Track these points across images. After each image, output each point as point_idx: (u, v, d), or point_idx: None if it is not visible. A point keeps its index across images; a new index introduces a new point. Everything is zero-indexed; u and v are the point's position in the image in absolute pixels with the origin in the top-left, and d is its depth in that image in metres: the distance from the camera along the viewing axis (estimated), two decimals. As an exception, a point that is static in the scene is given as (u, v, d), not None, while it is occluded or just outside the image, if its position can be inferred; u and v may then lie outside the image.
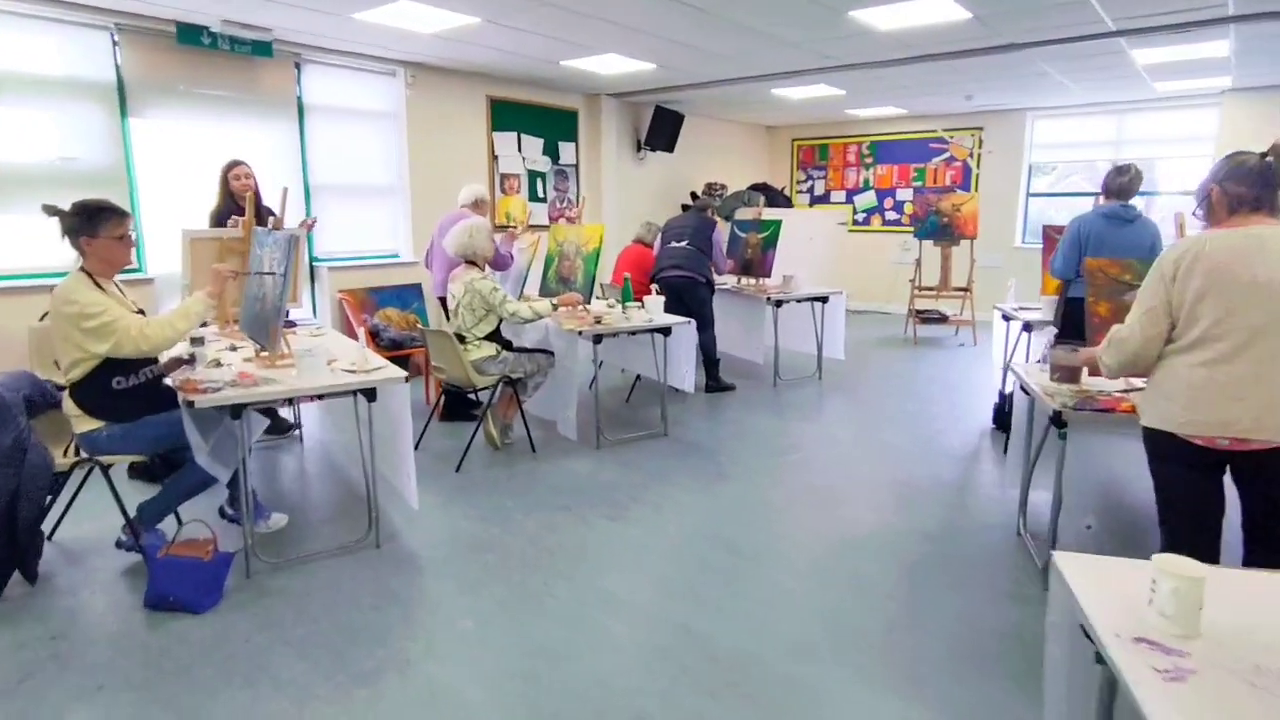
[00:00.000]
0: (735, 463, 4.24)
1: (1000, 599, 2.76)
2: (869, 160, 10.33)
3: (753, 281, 6.29)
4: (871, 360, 6.98)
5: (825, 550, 3.16)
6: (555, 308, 4.29)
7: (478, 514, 3.49)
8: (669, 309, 5.00)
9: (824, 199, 10.78)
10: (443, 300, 4.98)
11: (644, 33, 5.26)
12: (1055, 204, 9.38)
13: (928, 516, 3.54)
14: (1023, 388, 3.15)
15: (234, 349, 3.43)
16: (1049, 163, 9.23)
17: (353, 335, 5.30)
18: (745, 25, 5.07)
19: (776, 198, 9.39)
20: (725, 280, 6.16)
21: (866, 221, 10.47)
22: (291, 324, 4.08)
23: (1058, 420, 2.60)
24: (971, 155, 9.53)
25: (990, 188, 9.29)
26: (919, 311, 8.24)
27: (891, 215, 10.24)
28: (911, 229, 9.95)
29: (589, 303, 4.59)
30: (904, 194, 10.08)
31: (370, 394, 2.93)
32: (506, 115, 7.18)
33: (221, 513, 3.33)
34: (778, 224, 6.07)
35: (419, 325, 6.29)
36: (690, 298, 5.52)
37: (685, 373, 4.74)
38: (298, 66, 5.74)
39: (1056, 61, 6.24)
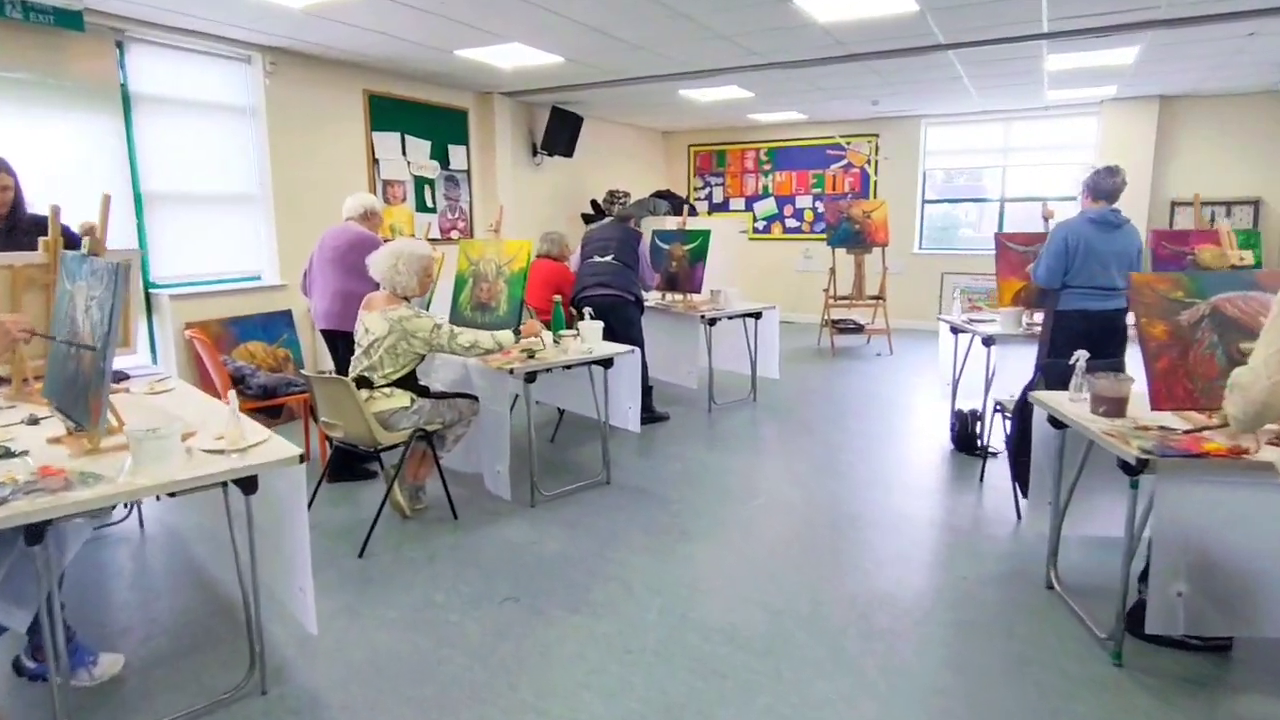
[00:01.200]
0: (694, 514, 3.63)
1: (1072, 685, 2.29)
2: (767, 167, 10.10)
3: (680, 298, 5.72)
4: (798, 376, 6.60)
5: (840, 630, 2.60)
6: (519, 337, 3.54)
7: (398, 621, 2.67)
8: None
9: (723, 206, 10.46)
10: (329, 334, 4.07)
11: (558, 15, 4.57)
12: (954, 210, 9.53)
13: (937, 570, 3.08)
14: (1053, 421, 2.73)
15: (34, 423, 2.43)
16: (942, 169, 9.32)
17: (208, 384, 4.26)
18: (676, 10, 4.49)
19: (682, 205, 8.93)
20: (650, 297, 5.55)
21: (767, 230, 10.23)
22: (122, 378, 3.07)
23: (1133, 468, 2.17)
24: (869, 162, 9.49)
25: (887, 194, 9.24)
26: (834, 321, 8.00)
27: (792, 223, 10.05)
28: (814, 236, 9.83)
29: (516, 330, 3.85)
30: (804, 201, 9.92)
31: (249, 484, 2.08)
32: (388, 113, 6.25)
33: (17, 668, 2.31)
34: (707, 234, 5.54)
35: (291, 361, 5.26)
36: (619, 318, 4.88)
37: (629, 409, 4.09)
38: (120, 46, 4.60)
39: (974, 65, 6.11)
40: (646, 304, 5.17)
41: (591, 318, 4.15)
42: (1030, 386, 4.06)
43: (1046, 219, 4.63)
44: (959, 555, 3.19)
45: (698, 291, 5.54)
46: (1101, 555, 3.01)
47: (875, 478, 4.15)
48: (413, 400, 3.32)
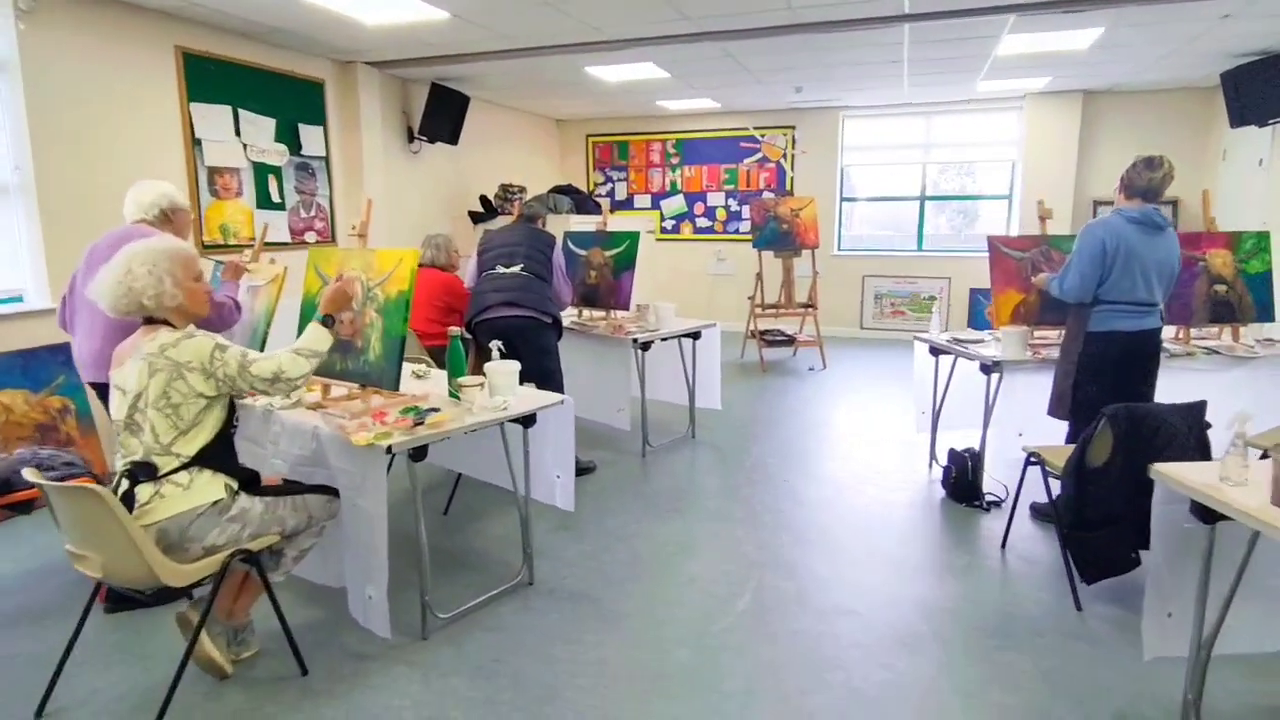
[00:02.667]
0: (663, 636, 2.59)
1: None
2: (675, 160, 9.19)
3: (603, 316, 4.66)
4: (732, 400, 5.67)
5: None
6: (331, 323, 2.34)
7: None
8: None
9: (627, 204, 9.46)
10: (99, 387, 2.73)
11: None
12: (877, 210, 8.96)
13: (1021, 703, 2.18)
14: (1201, 511, 1.89)
15: None
16: (860, 165, 8.74)
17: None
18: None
19: (586, 202, 7.85)
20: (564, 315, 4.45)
21: (676, 229, 9.33)
22: None
23: None
24: (785, 156, 8.77)
25: (804, 191, 8.55)
26: (762, 333, 7.18)
27: (703, 222, 9.19)
28: (728, 237, 9.02)
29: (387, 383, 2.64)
30: (716, 198, 9.08)
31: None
32: (213, 80, 4.81)
33: None
34: (635, 236, 4.51)
35: (73, 414, 3.81)
36: (533, 347, 3.78)
37: (558, 479, 2.99)
38: None
39: (924, 45, 5.41)
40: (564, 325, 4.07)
41: (501, 353, 3.03)
42: (1077, 436, 3.32)
43: (1044, 219, 3.91)
44: (1034, 680, 2.32)
45: (625, 308, 4.51)
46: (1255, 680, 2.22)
47: (865, 548, 3.25)
48: (229, 493, 2.08)
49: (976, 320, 7.88)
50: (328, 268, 2.82)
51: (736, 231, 9.03)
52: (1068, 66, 6.19)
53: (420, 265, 4.58)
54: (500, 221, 6.91)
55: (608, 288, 4.54)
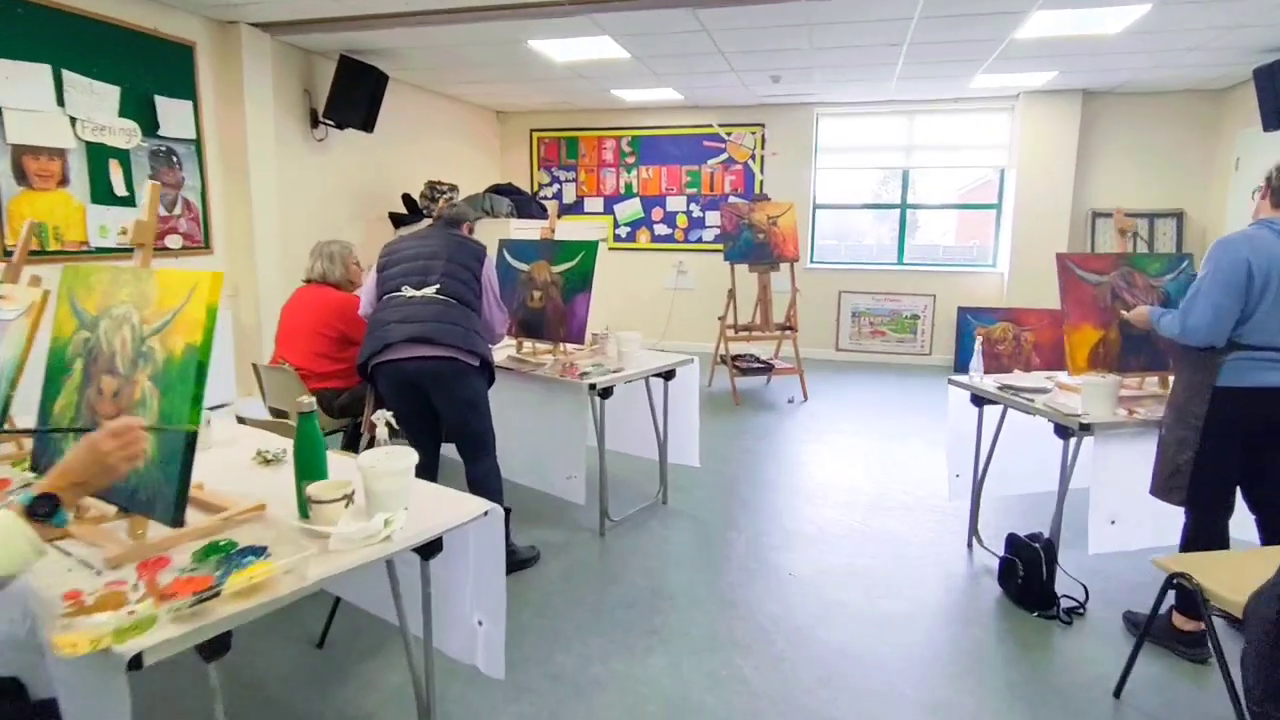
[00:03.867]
0: None
1: None
2: (631, 160, 8.19)
3: (548, 349, 3.60)
4: (708, 445, 4.66)
5: None
6: (51, 510, 1.21)
7: None
8: (410, 420, 2.24)
9: (576, 208, 8.41)
10: None
11: None
12: (850, 218, 8.14)
13: None
14: None
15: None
16: (835, 168, 7.90)
17: None
18: None
19: (529, 205, 6.77)
20: (497, 349, 3.38)
21: (631, 237, 8.32)
22: None
23: None
24: (753, 157, 7.87)
25: (775, 195, 7.66)
26: (734, 358, 6.22)
27: (662, 229, 8.21)
28: (689, 246, 8.06)
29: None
30: (676, 202, 8.11)
31: None
32: (21, 28, 3.58)
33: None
34: (591, 248, 3.48)
35: None
36: (452, 397, 2.74)
37: (483, 628, 1.92)
38: None
39: (935, 29, 4.54)
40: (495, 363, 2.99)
41: (392, 430, 1.95)
42: (1200, 530, 2.45)
43: (1127, 232, 3.02)
44: None
45: (578, 340, 3.46)
46: None
47: (915, 696, 2.28)
48: None
49: (964, 346, 7.08)
50: (88, 299, 1.68)
51: (699, 240, 8.08)
52: (1082, 58, 5.42)
53: (307, 281, 3.50)
54: (422, 226, 5.78)
55: (556, 313, 3.50)
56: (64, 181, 3.80)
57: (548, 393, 3.33)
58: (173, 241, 4.41)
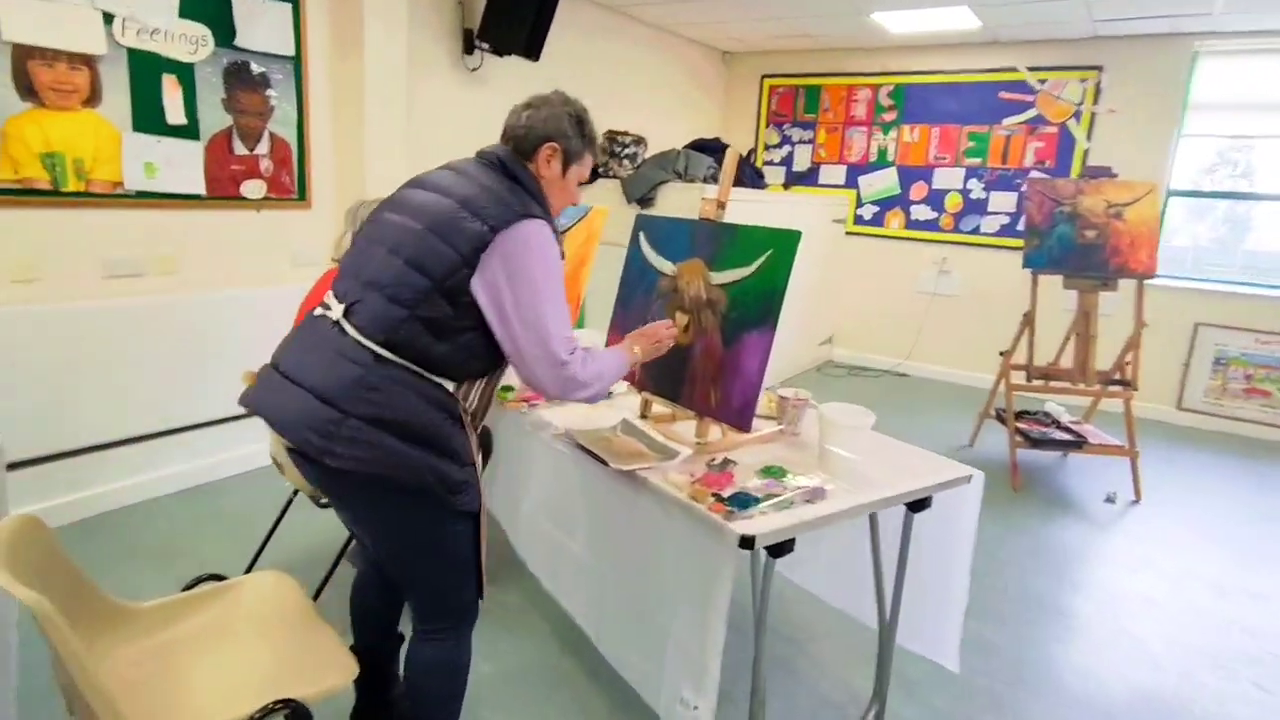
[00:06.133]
0: None
1: None
2: (890, 117, 6.12)
3: (675, 416, 1.94)
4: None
5: None
6: None
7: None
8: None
9: (809, 178, 6.54)
10: None
11: None
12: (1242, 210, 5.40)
13: None
14: None
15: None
16: (1215, 136, 5.22)
17: None
18: None
19: (743, 170, 5.08)
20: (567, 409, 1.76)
21: (878, 221, 6.29)
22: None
23: None
24: (1076, 115, 5.44)
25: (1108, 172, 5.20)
26: (1017, 415, 4.07)
27: (923, 212, 6.08)
28: (960, 237, 5.84)
29: None
30: (948, 177, 5.93)
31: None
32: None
33: None
34: (789, 243, 1.74)
35: None
36: (366, 522, 1.22)
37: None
38: None
39: None
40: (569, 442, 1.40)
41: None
42: None
43: None
44: None
45: (738, 425, 1.75)
46: None
47: None
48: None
49: None
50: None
51: (976, 231, 5.86)
52: None
53: (336, 261, 2.20)
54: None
55: (708, 363, 1.83)
56: (93, 99, 2.82)
57: (665, 520, 1.68)
58: (251, 189, 3.36)
